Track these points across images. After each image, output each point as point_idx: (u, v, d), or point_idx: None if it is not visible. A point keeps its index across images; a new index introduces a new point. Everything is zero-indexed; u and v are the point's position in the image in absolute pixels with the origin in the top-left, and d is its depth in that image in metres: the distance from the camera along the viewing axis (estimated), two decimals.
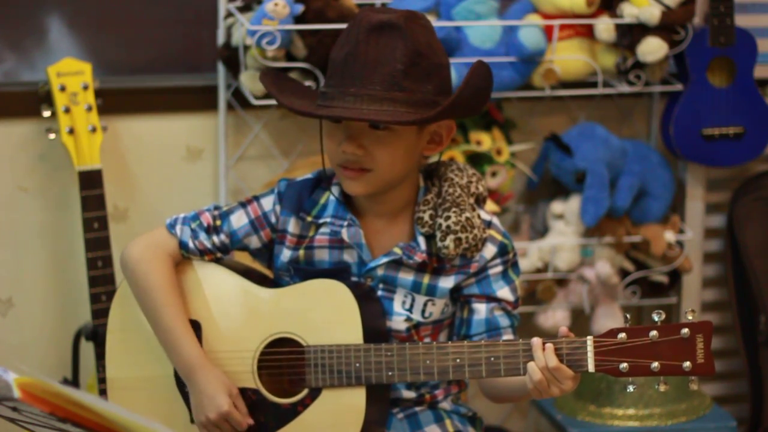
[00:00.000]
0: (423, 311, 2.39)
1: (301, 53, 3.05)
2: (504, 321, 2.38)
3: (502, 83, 3.17)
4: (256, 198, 2.43)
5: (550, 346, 2.16)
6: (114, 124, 3.21)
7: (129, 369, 2.42)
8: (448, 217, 2.34)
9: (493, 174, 3.26)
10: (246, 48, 3.08)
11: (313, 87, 2.95)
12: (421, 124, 2.26)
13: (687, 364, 2.13)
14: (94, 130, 3.08)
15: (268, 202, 2.42)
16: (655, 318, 2.14)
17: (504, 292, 2.39)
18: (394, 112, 2.21)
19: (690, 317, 2.14)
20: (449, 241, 2.33)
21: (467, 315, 2.40)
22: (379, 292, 2.38)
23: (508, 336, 2.37)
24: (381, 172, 2.29)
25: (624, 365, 2.14)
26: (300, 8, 3.01)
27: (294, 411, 2.34)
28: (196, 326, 2.37)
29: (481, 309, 2.38)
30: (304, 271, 2.39)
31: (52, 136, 3.09)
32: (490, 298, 2.38)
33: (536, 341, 2.18)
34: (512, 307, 2.40)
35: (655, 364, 2.13)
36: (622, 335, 2.14)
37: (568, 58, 3.23)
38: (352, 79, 2.22)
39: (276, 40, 2.99)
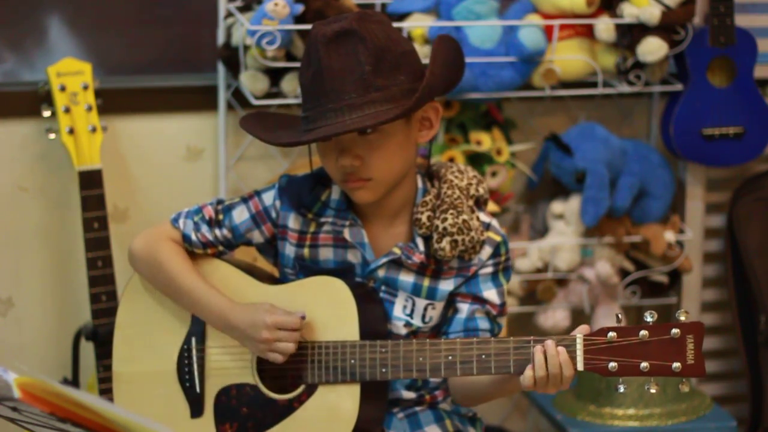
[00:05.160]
0: (423, 316, 2.38)
1: (301, 53, 3.05)
2: (483, 324, 2.37)
3: (502, 83, 3.17)
4: (258, 193, 2.44)
5: (562, 349, 2.16)
6: (114, 124, 3.21)
7: (134, 364, 2.44)
8: (445, 219, 2.34)
9: (493, 174, 3.26)
10: (246, 48, 3.08)
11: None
12: (405, 116, 2.26)
13: (677, 364, 2.12)
14: (94, 130, 3.08)
15: (268, 197, 2.43)
16: (648, 318, 2.12)
17: (490, 294, 2.38)
18: (376, 113, 2.21)
19: (682, 318, 2.13)
20: (445, 243, 2.33)
21: (450, 313, 2.39)
22: (381, 295, 2.38)
23: None
24: (382, 175, 2.29)
25: (613, 364, 2.13)
26: (300, 8, 3.01)
27: (290, 407, 2.34)
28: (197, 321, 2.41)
29: (463, 309, 2.38)
30: (310, 269, 2.40)
31: (52, 136, 3.09)
32: (475, 298, 2.37)
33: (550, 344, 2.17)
34: (497, 311, 2.38)
35: (645, 364, 2.12)
36: (612, 334, 2.13)
37: (568, 58, 3.23)
38: (326, 95, 2.22)
39: (276, 40, 2.99)
